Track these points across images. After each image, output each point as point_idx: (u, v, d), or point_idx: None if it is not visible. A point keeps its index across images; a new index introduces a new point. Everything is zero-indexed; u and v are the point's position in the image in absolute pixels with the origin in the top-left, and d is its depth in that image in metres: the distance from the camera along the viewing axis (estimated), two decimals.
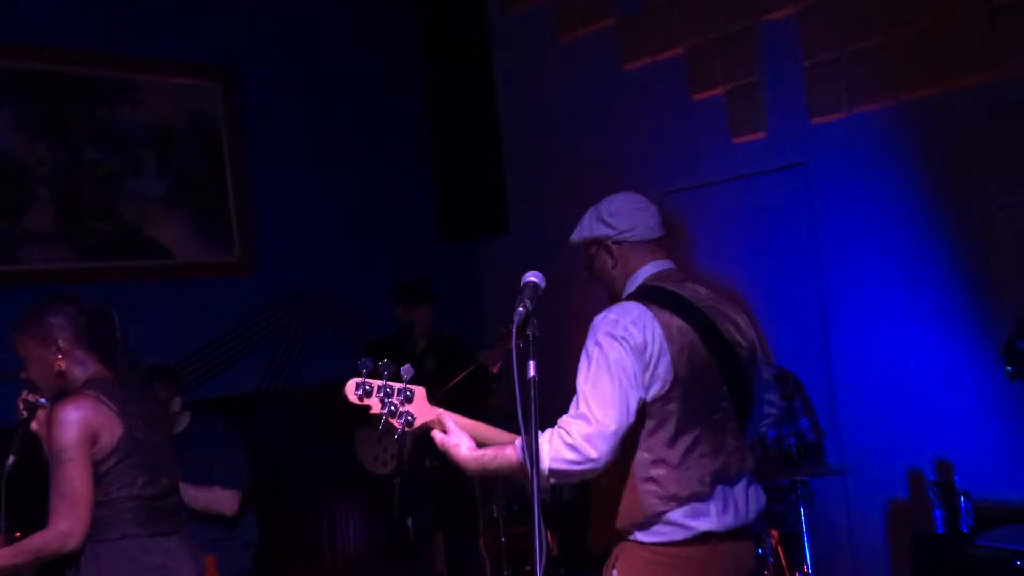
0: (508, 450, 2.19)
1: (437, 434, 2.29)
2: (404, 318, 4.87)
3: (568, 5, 5.50)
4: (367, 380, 2.24)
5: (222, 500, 3.73)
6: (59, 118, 4.58)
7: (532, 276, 2.21)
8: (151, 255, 4.83)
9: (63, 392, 2.65)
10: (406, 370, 2.24)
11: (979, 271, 4.00)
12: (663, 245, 2.48)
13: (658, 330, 2.21)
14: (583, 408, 2.15)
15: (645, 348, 2.19)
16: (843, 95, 4.33)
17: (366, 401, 2.25)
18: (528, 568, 4.52)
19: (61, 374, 2.66)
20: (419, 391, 2.27)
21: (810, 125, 4.48)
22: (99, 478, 2.55)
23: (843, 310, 4.44)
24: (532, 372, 1.99)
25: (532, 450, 1.96)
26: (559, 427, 2.15)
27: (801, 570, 3.72)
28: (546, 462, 2.13)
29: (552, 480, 2.17)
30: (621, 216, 2.43)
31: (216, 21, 5.12)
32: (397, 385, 2.25)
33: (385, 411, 2.23)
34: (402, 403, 2.24)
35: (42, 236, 4.49)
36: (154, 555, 2.61)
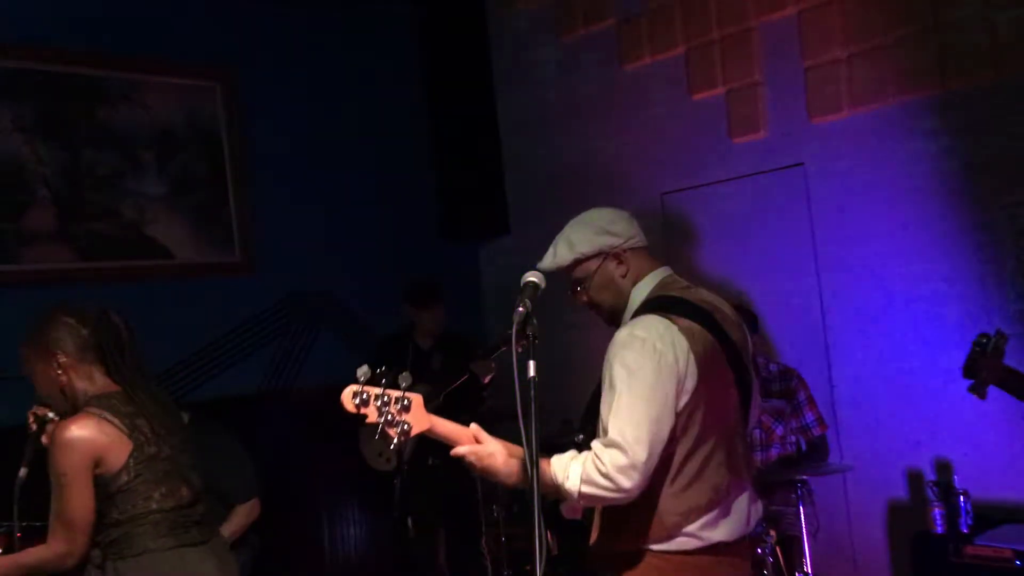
0: (542, 464, 2.16)
1: (462, 448, 2.25)
2: (414, 318, 4.88)
3: (568, 5, 5.50)
4: (364, 388, 2.20)
5: (247, 515, 3.75)
6: (59, 118, 4.58)
7: (532, 276, 2.20)
8: (151, 255, 4.83)
9: (72, 407, 2.60)
10: (404, 377, 2.21)
11: (979, 271, 4.00)
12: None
13: (683, 342, 2.16)
14: (616, 436, 2.10)
15: (676, 363, 2.14)
16: (843, 95, 4.33)
17: (363, 410, 2.21)
18: (528, 568, 4.52)
19: (64, 390, 2.62)
20: (416, 399, 2.24)
21: (810, 125, 4.49)
22: (111, 497, 2.52)
23: (843, 310, 4.44)
24: (532, 372, 1.98)
25: (532, 450, 1.96)
26: (593, 454, 2.12)
27: (801, 570, 3.72)
28: (576, 484, 2.13)
29: (581, 502, 2.17)
30: (622, 224, 2.38)
31: (216, 21, 5.12)
32: (395, 393, 2.22)
33: (382, 420, 2.20)
34: (399, 412, 2.21)
35: (42, 236, 4.49)
36: (177, 569, 2.56)
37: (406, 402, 2.23)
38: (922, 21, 4.06)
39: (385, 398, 2.21)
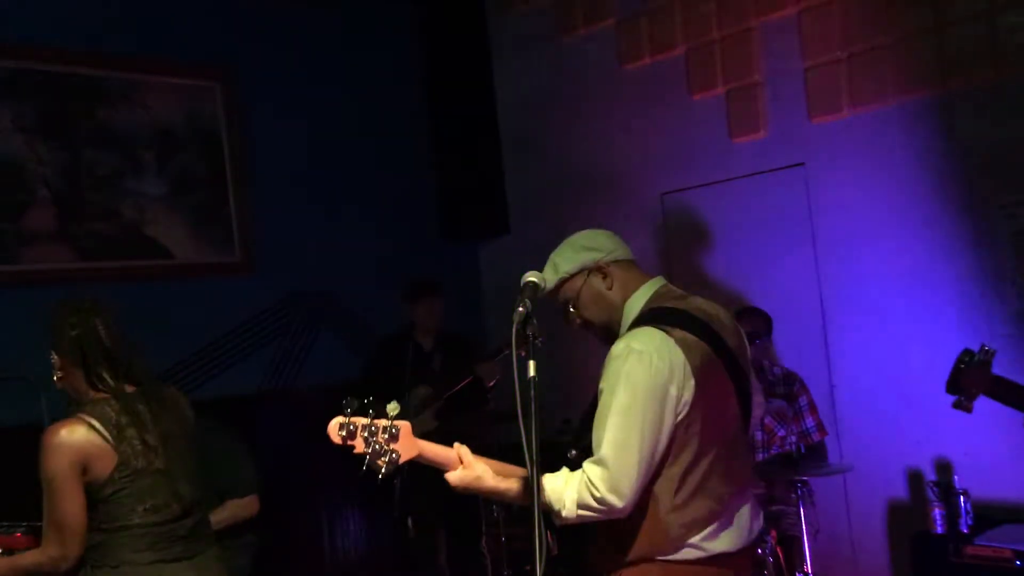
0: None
1: (452, 475, 2.26)
2: (412, 315, 4.88)
3: (568, 5, 5.50)
4: (351, 420, 2.19)
5: (243, 509, 3.75)
6: (59, 118, 4.58)
7: (532, 276, 2.20)
8: (151, 255, 4.83)
9: (78, 407, 2.58)
10: (392, 407, 2.20)
11: (979, 271, 4.00)
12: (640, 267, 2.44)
13: (680, 354, 2.15)
14: (608, 455, 2.10)
15: (673, 377, 2.13)
16: (843, 95, 4.33)
17: (350, 442, 2.20)
18: (528, 568, 4.52)
19: (68, 390, 2.61)
20: (404, 427, 2.23)
21: (810, 125, 4.49)
22: (95, 505, 2.50)
23: (843, 310, 4.44)
24: (532, 372, 1.98)
25: (532, 450, 1.96)
26: (585, 476, 2.12)
27: (801, 570, 3.72)
28: (573, 511, 2.13)
29: (577, 522, 2.17)
30: (601, 239, 2.39)
31: (216, 21, 5.12)
32: (382, 423, 2.20)
33: (369, 451, 2.19)
34: (387, 441, 2.20)
35: (42, 236, 4.49)
36: None
37: (394, 431, 2.21)
38: (922, 21, 4.06)
39: (372, 428, 2.20)
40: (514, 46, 5.89)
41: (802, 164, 4.55)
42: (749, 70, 4.69)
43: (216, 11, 5.12)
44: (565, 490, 2.15)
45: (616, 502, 2.09)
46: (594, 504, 2.11)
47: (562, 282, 2.37)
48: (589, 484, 2.11)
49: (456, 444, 2.30)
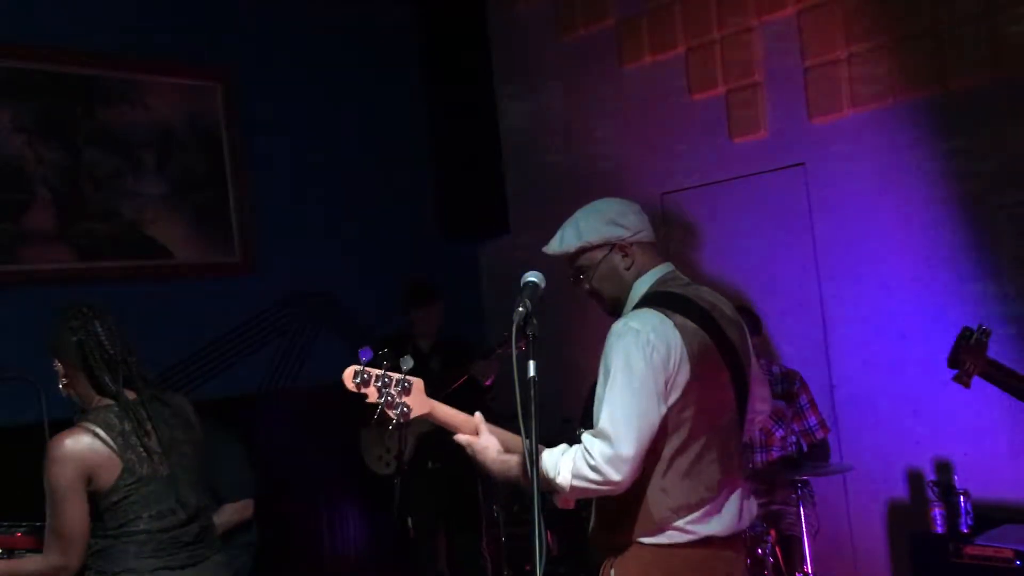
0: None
1: (462, 437, 2.29)
2: (412, 318, 4.87)
3: (568, 5, 5.50)
4: (366, 369, 2.23)
5: (238, 512, 3.74)
6: (59, 118, 4.58)
7: (532, 276, 2.21)
8: (151, 255, 4.83)
9: (83, 413, 2.58)
10: (405, 360, 2.24)
11: (979, 271, 4.00)
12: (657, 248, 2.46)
13: (677, 337, 2.17)
14: (606, 427, 2.11)
15: (668, 358, 2.15)
16: (843, 95, 4.33)
17: (363, 390, 2.23)
18: (528, 568, 4.52)
19: (72, 397, 2.60)
20: (417, 383, 2.27)
21: (810, 125, 4.49)
22: (101, 513, 2.50)
23: (843, 310, 4.44)
24: (532, 372, 1.99)
25: (533, 449, 1.96)
26: (583, 447, 2.13)
27: (801, 570, 3.73)
28: (568, 479, 2.13)
29: (572, 495, 2.18)
30: (631, 217, 2.37)
31: (216, 21, 5.12)
32: (395, 375, 2.24)
33: (382, 400, 2.22)
34: (399, 394, 2.24)
35: (42, 236, 4.49)
36: None
37: (407, 384, 2.26)
38: (922, 21, 4.07)
39: (386, 379, 2.24)
40: (514, 46, 5.89)
41: (802, 164, 4.55)
42: (749, 70, 4.69)
43: (216, 11, 5.12)
44: (561, 459, 2.16)
45: (612, 473, 2.09)
46: (589, 472, 2.10)
47: (582, 250, 2.37)
48: (585, 453, 2.12)
49: (477, 413, 2.33)
